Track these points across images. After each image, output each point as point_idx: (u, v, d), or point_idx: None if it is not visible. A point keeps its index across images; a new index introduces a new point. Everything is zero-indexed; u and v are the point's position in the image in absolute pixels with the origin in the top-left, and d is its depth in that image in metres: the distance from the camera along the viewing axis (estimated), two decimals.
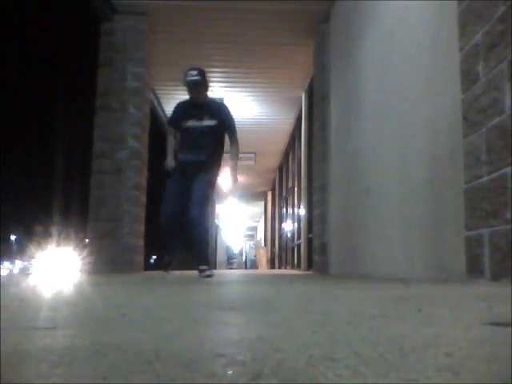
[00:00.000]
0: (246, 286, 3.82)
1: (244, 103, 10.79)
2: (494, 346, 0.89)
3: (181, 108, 5.02)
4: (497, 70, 2.44)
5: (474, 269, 2.64)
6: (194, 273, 4.77)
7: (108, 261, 6.75)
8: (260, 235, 28.20)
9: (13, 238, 43.66)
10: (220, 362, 0.77)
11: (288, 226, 14.45)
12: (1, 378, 0.69)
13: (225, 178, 5.61)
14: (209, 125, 4.82)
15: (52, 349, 0.93)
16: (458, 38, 2.91)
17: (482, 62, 2.60)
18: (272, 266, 19.61)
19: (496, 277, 2.40)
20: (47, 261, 12.84)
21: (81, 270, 7.54)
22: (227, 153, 5.00)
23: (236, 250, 34.18)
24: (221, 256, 28.30)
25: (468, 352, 0.83)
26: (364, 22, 5.56)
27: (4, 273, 30.02)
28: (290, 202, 14.01)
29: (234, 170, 5.00)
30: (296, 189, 12.19)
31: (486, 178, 2.52)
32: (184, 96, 5.13)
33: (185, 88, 4.89)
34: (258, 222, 29.45)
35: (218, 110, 4.93)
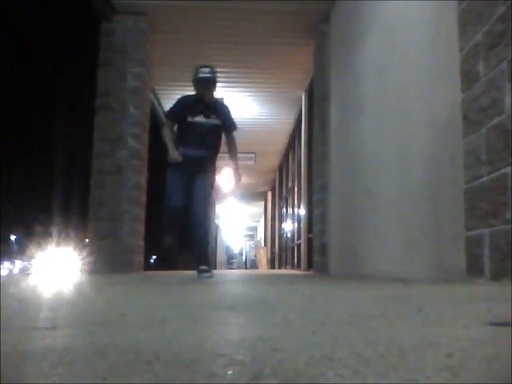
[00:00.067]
0: (246, 286, 3.82)
1: (244, 103, 10.79)
2: (494, 346, 0.89)
3: (186, 102, 4.92)
4: (497, 70, 2.44)
5: (473, 269, 2.64)
6: (194, 273, 4.77)
7: (108, 261, 6.75)
8: (260, 235, 28.19)
9: (13, 237, 43.65)
10: (220, 362, 0.77)
11: (288, 226, 14.45)
12: (1, 378, 0.69)
13: (227, 178, 5.63)
14: (215, 123, 4.84)
15: (52, 349, 0.93)
16: (457, 37, 2.91)
17: (482, 62, 2.60)
18: (272, 266, 19.61)
19: (496, 277, 2.40)
20: (47, 261, 12.83)
21: (81, 270, 7.54)
22: (223, 152, 5.02)
23: (236, 250, 34.17)
24: (221, 256, 28.29)
25: (468, 352, 0.83)
26: (364, 22, 5.56)
27: (4, 273, 30.02)
28: (290, 202, 14.01)
29: (237, 170, 5.04)
30: (296, 189, 12.19)
31: (486, 178, 2.52)
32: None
33: (193, 84, 4.85)
34: (258, 222, 29.44)
35: (222, 110, 4.95)
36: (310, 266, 8.72)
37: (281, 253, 16.73)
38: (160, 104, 10.67)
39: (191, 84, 4.91)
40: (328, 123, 7.35)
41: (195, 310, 1.69)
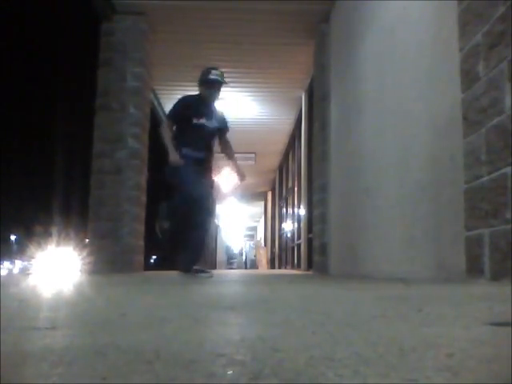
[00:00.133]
0: (246, 285, 3.82)
1: (244, 103, 10.79)
2: (494, 346, 0.89)
3: (188, 102, 4.87)
4: (497, 70, 2.44)
5: (473, 269, 2.64)
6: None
7: (108, 261, 6.75)
8: (260, 235, 28.19)
9: (13, 237, 43.68)
10: (220, 362, 0.77)
11: (288, 226, 14.45)
12: (1, 378, 0.69)
13: (227, 178, 5.67)
14: (215, 126, 4.87)
15: (52, 349, 0.93)
16: (457, 37, 2.91)
17: (482, 62, 2.60)
18: (272, 266, 19.61)
19: (496, 277, 2.40)
20: (47, 261, 12.84)
21: (81, 270, 7.54)
22: (217, 152, 5.09)
23: (236, 250, 34.18)
24: (221, 256, 28.31)
25: (468, 352, 0.83)
26: (364, 22, 5.56)
27: (4, 273, 30.02)
28: (290, 201, 14.01)
29: (239, 168, 5.11)
30: (296, 189, 12.19)
31: (486, 178, 2.52)
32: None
33: (201, 84, 4.84)
34: (258, 222, 29.44)
35: (219, 114, 4.99)
36: (310, 266, 8.72)
37: (281, 253, 16.74)
38: (160, 104, 10.67)
39: (195, 84, 4.90)
40: (328, 123, 7.35)
41: (195, 309, 1.69)
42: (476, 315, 1.31)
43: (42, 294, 2.83)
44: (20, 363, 0.81)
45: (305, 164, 9.97)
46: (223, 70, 5.22)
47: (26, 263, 30.00)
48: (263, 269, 20.46)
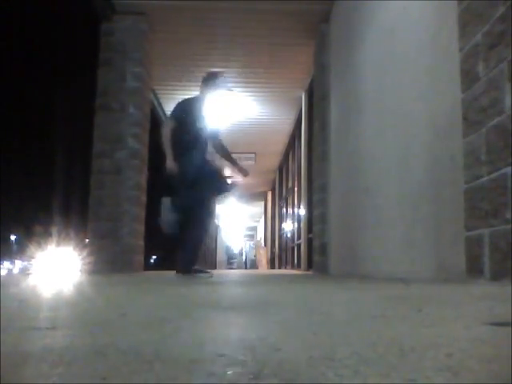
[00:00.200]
0: (246, 286, 3.82)
1: (244, 103, 10.79)
2: (494, 346, 0.89)
3: (195, 106, 4.83)
4: (497, 70, 2.44)
5: (473, 269, 2.64)
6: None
7: (108, 261, 6.75)
8: (260, 235, 28.20)
9: (13, 238, 43.68)
10: (220, 362, 0.77)
11: (288, 226, 14.45)
12: (1, 378, 0.69)
13: (232, 176, 5.72)
14: (212, 129, 4.92)
15: (52, 349, 0.93)
16: (457, 37, 2.91)
17: (482, 62, 2.60)
18: (272, 266, 19.61)
19: (496, 277, 2.39)
20: (47, 261, 12.84)
21: (81, 270, 7.54)
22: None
23: (236, 250, 34.19)
24: (221, 256, 28.31)
25: (468, 352, 0.83)
26: (364, 22, 5.56)
27: (4, 273, 30.02)
28: (290, 201, 14.01)
29: (240, 166, 5.18)
30: (296, 189, 12.19)
31: (486, 178, 2.52)
32: (183, 96, 5.11)
33: (212, 88, 4.85)
34: (258, 222, 29.45)
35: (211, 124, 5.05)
36: (310, 265, 8.72)
37: (281, 253, 16.74)
38: (160, 104, 10.67)
39: (195, 84, 4.92)
40: (328, 123, 7.35)
41: (195, 309, 1.69)
42: (476, 315, 1.31)
43: (41, 294, 2.83)
44: (20, 363, 0.81)
45: (305, 164, 9.97)
46: (223, 70, 5.24)
47: (26, 263, 30.03)
48: (263, 269, 20.46)
